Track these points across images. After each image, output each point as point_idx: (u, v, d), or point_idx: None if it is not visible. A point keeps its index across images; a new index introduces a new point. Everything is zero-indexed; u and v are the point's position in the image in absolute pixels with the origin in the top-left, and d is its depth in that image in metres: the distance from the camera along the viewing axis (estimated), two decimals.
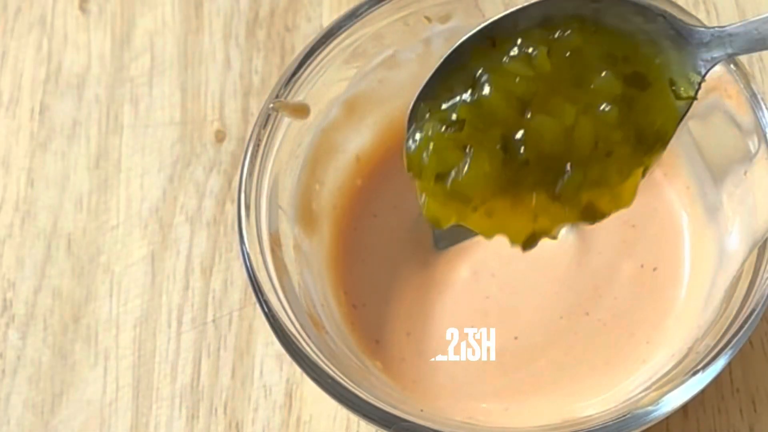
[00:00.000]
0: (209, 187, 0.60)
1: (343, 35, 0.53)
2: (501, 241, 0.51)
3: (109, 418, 0.56)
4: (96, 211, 0.60)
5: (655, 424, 0.48)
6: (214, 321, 0.58)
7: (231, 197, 0.60)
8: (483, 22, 0.49)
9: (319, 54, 0.53)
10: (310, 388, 0.55)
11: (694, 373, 0.48)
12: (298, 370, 0.51)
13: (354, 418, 0.55)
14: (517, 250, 0.50)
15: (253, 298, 0.52)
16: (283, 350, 0.49)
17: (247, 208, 0.51)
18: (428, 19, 0.55)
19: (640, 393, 0.50)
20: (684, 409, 0.53)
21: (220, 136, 0.61)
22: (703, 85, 0.51)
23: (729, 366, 0.52)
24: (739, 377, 0.55)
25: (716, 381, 0.48)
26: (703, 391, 0.48)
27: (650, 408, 0.47)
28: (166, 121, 0.62)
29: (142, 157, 0.61)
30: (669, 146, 0.55)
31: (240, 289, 0.58)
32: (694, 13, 0.56)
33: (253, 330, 0.57)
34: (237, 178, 0.59)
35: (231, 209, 0.60)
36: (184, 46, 0.63)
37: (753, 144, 0.51)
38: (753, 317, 0.48)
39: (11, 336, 0.58)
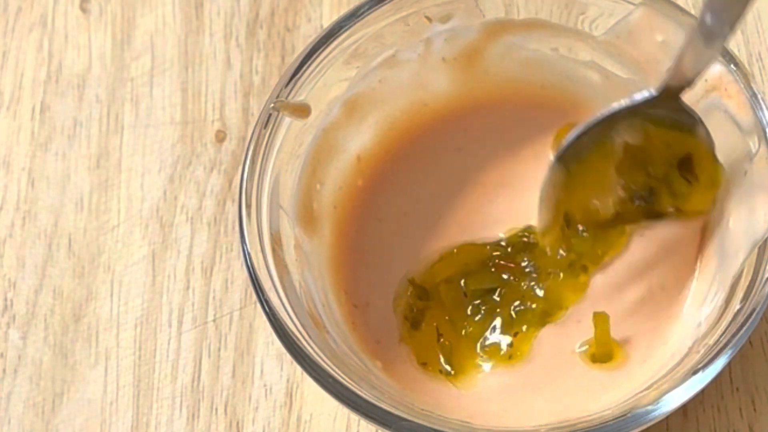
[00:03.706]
0: (210, 186, 0.60)
1: (343, 35, 0.53)
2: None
3: (109, 418, 0.56)
4: (96, 211, 0.60)
5: (655, 423, 0.48)
6: (214, 321, 0.58)
7: (231, 197, 0.60)
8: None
9: (319, 54, 0.53)
10: (310, 387, 0.55)
11: (694, 373, 0.48)
12: (298, 369, 0.52)
13: (354, 417, 0.55)
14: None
15: (254, 298, 0.52)
16: (283, 350, 0.49)
17: (248, 207, 0.51)
18: (429, 19, 0.55)
19: (640, 392, 0.50)
20: (684, 408, 0.53)
21: (220, 136, 0.61)
22: (703, 84, 0.51)
23: (729, 365, 0.53)
24: (738, 376, 0.55)
25: (716, 380, 0.48)
26: (702, 391, 0.48)
27: (650, 407, 0.47)
28: (166, 121, 0.62)
29: (143, 157, 0.61)
30: None
31: (240, 288, 0.58)
32: (693, 13, 0.56)
33: (253, 330, 0.57)
34: (237, 178, 0.59)
35: (231, 209, 0.60)
36: (185, 46, 0.63)
37: (753, 144, 0.51)
38: (753, 317, 0.48)
39: (12, 335, 0.58)
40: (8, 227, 0.60)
